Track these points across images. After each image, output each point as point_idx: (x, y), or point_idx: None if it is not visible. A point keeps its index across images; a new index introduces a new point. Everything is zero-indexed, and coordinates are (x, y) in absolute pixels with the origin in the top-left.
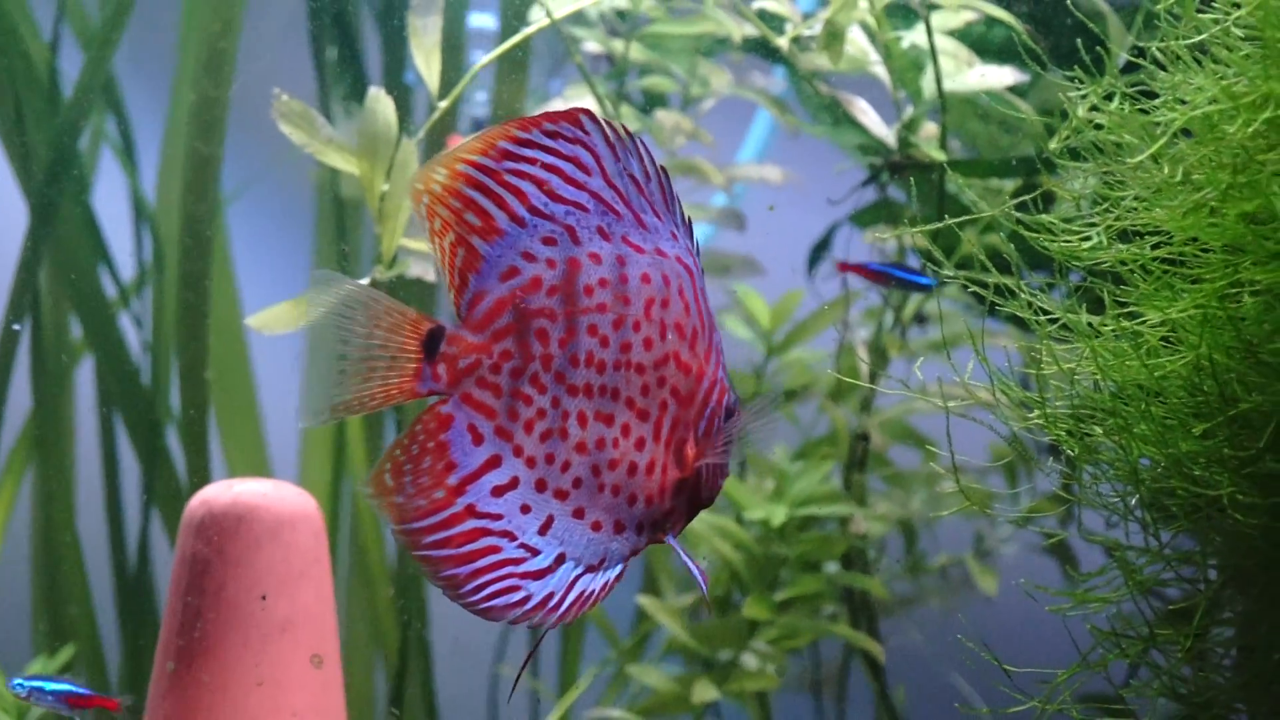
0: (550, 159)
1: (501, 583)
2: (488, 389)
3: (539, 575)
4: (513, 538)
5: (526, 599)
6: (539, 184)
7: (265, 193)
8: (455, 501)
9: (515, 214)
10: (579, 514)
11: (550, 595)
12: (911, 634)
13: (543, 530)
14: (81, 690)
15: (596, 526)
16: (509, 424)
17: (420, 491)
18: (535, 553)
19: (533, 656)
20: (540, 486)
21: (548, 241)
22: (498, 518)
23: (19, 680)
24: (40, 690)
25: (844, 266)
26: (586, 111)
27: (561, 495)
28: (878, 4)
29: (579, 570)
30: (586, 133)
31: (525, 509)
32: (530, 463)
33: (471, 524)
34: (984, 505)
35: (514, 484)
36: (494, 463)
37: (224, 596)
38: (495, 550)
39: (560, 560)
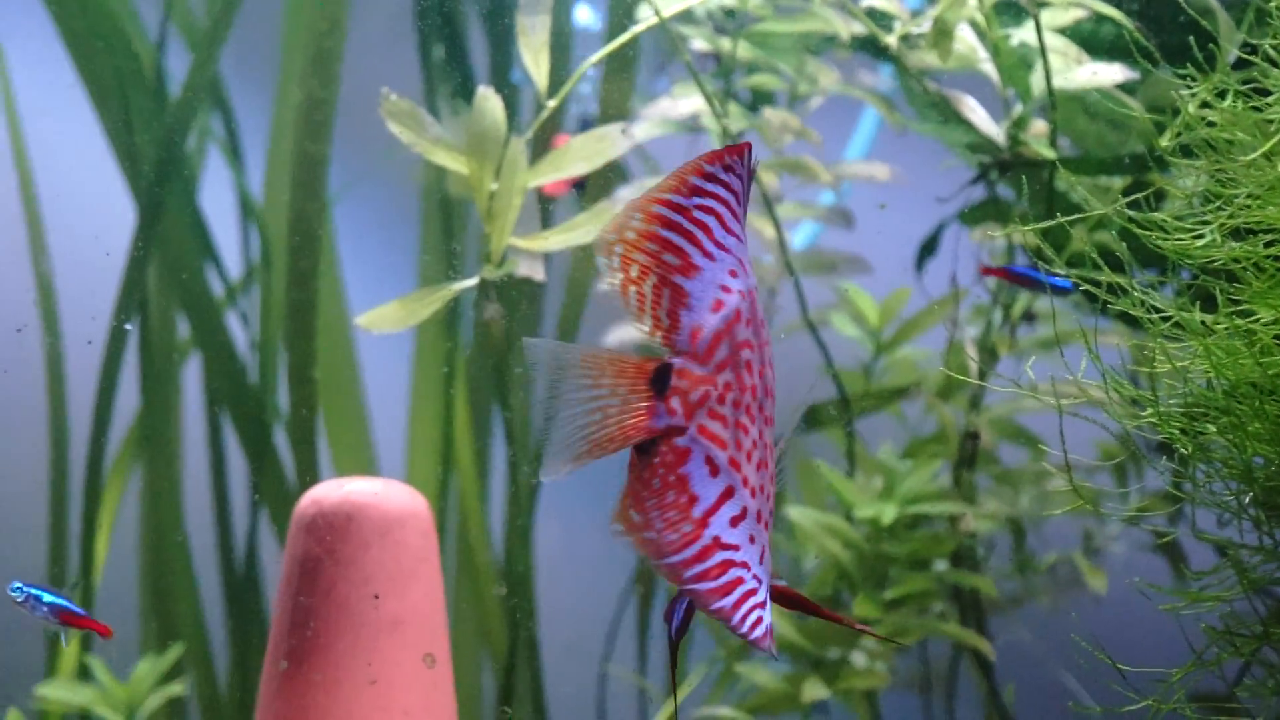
0: (725, 193)
1: (755, 613)
2: (718, 420)
3: (764, 605)
4: (748, 568)
5: (769, 628)
6: (719, 218)
7: (371, 192)
8: (703, 534)
9: (706, 249)
10: (769, 544)
11: (770, 626)
12: (1020, 632)
13: (760, 560)
14: (76, 609)
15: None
16: (737, 454)
17: (669, 526)
18: (760, 583)
19: (677, 665)
20: (759, 517)
21: (733, 274)
22: (736, 548)
23: (18, 584)
24: (37, 599)
25: (987, 270)
26: (749, 145)
27: (767, 526)
28: (986, 1)
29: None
30: (744, 164)
31: (751, 540)
32: (753, 493)
33: (720, 556)
34: (1093, 504)
35: (744, 514)
36: (728, 494)
37: (335, 595)
38: (741, 581)
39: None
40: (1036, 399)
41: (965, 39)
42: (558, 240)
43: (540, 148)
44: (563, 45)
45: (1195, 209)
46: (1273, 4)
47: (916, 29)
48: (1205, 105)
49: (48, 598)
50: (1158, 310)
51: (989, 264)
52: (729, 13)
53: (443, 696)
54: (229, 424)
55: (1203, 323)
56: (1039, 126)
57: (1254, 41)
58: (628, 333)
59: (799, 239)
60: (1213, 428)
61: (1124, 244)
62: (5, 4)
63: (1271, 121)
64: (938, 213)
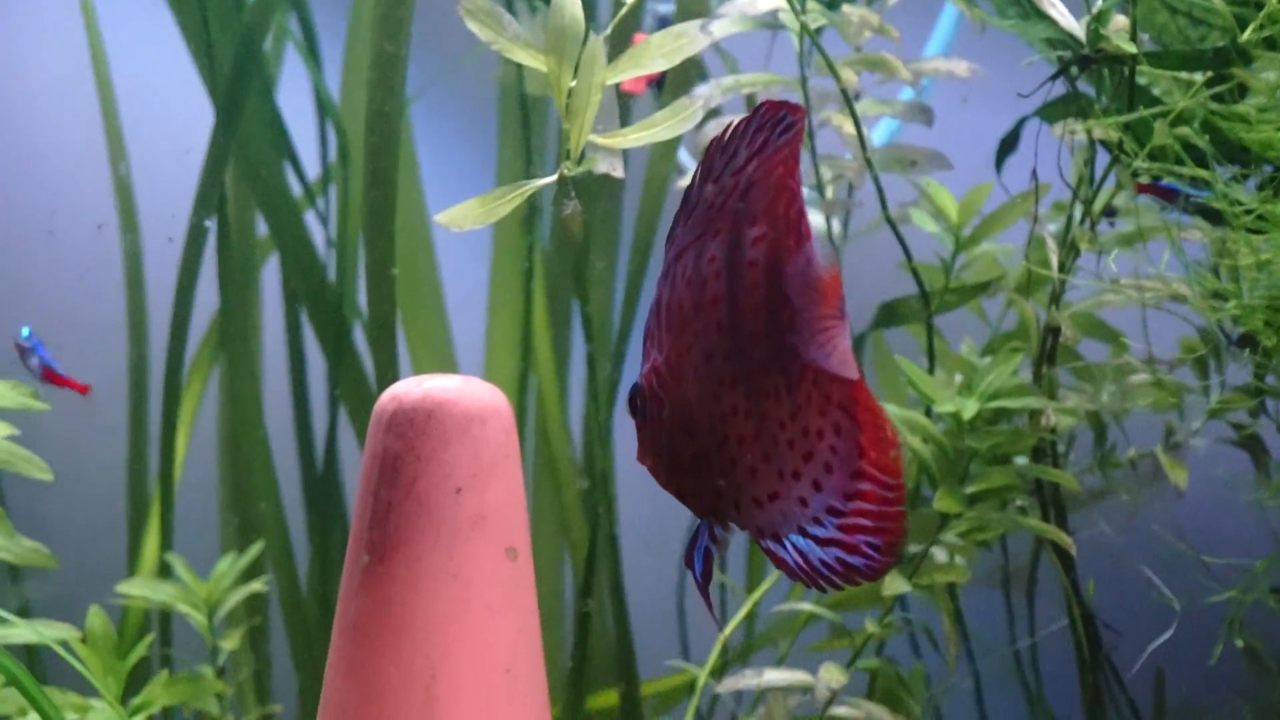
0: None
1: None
2: None
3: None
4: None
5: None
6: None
7: (449, 91)
8: None
9: None
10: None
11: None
12: (1101, 527)
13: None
14: (58, 369)
15: None
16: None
17: None
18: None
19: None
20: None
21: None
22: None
23: (28, 329)
24: (34, 350)
25: (1142, 188)
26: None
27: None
28: None
29: None
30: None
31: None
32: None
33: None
34: (1175, 397)
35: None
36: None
37: (416, 491)
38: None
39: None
40: (1118, 294)
41: None
42: (636, 137)
43: (619, 45)
44: None
45: (1279, 102)
46: None
47: None
48: None
49: (40, 354)
50: (1240, 204)
51: (1144, 183)
52: None
53: (524, 591)
54: (308, 322)
55: None
56: (1120, 21)
57: None
58: None
59: (878, 135)
60: None
61: (1206, 138)
62: None
63: None
64: (1018, 109)
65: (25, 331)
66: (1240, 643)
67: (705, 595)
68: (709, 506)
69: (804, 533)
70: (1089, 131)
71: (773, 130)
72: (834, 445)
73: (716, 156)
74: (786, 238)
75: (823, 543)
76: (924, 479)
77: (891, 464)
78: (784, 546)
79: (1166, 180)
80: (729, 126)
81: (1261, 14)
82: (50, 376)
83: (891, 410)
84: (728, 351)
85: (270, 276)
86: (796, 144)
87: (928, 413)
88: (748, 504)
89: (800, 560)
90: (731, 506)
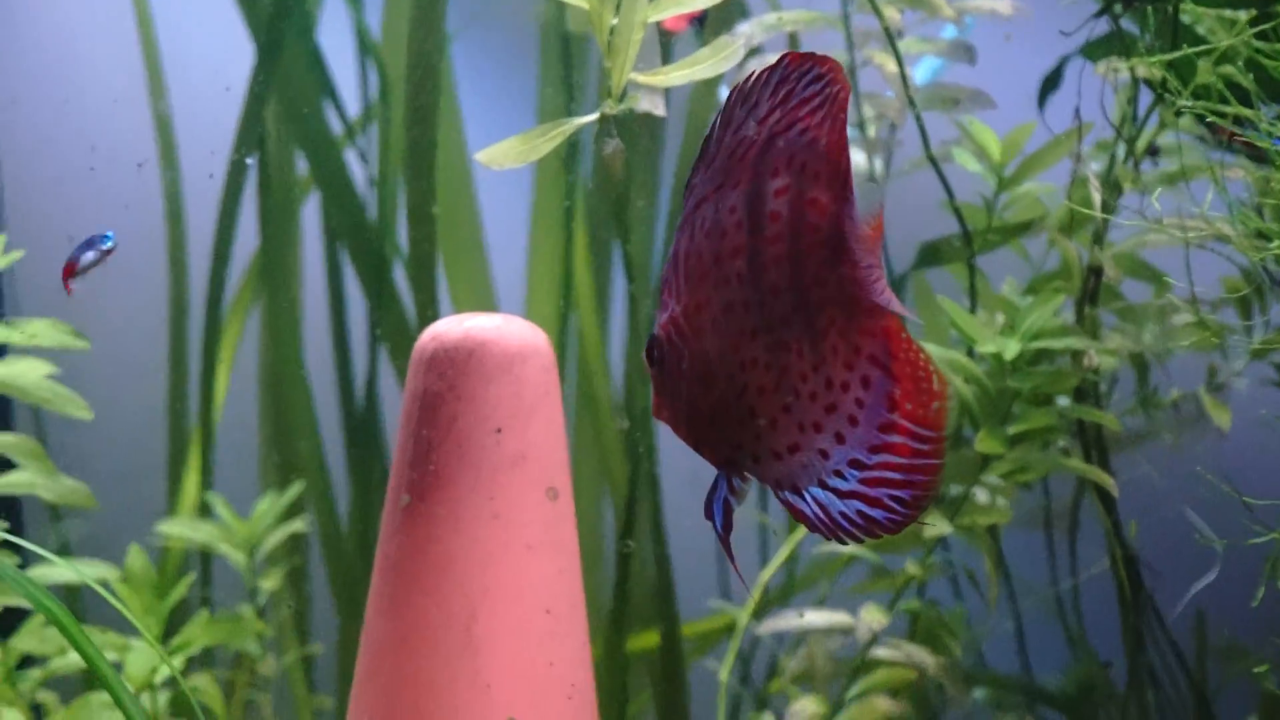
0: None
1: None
2: None
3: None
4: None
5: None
6: None
7: (490, 28)
8: None
9: None
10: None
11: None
12: (1143, 468)
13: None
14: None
15: None
16: None
17: None
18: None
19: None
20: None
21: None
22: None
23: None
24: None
25: (1232, 136)
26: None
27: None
28: None
29: None
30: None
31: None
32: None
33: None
34: (1218, 338)
35: None
36: None
37: (456, 430)
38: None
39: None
40: (1161, 233)
41: None
42: (678, 75)
43: None
44: None
45: None
46: None
47: None
48: None
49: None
50: None
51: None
52: None
53: (564, 530)
54: (348, 261)
55: None
56: None
57: None
58: None
59: (921, 74)
60: None
61: (1250, 76)
62: None
63: None
64: (1061, 47)
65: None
66: None
67: (727, 546)
68: (726, 458)
69: (824, 485)
70: (1132, 70)
71: (797, 82)
72: (860, 398)
73: (737, 107)
74: (814, 190)
75: (843, 495)
76: (965, 420)
77: (931, 417)
78: (803, 499)
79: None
80: (750, 76)
81: None
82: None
83: (932, 350)
84: (748, 303)
85: (310, 215)
86: (837, 100)
87: (969, 353)
88: (766, 456)
89: (820, 512)
90: (749, 458)
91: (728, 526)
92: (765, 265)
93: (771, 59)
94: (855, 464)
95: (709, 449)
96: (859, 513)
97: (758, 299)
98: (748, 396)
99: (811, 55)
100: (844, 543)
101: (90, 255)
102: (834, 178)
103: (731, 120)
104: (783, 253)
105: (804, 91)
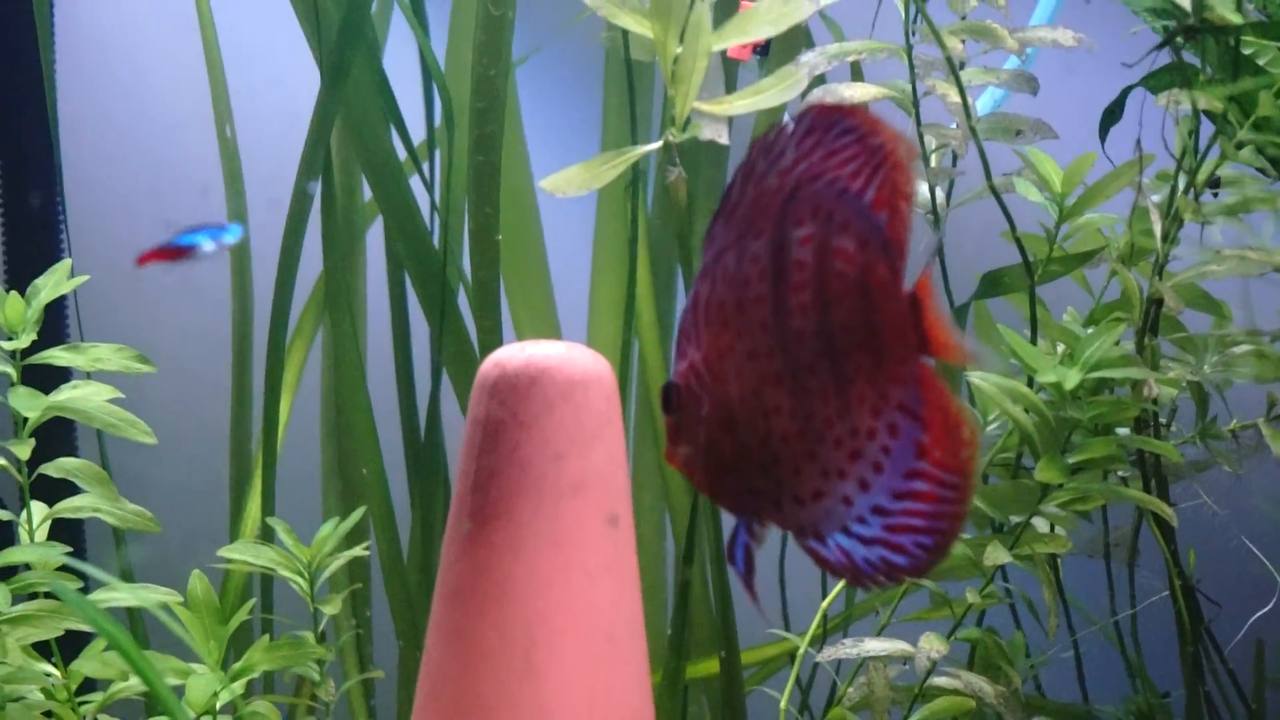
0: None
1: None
2: None
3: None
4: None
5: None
6: None
7: (555, 56)
8: None
9: None
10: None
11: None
12: (1202, 498)
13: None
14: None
15: None
16: None
17: None
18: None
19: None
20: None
21: None
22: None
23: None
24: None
25: None
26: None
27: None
28: None
29: None
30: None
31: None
32: None
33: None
34: (1278, 369)
35: None
36: None
37: (518, 458)
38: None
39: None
40: (1222, 264)
41: None
42: (742, 104)
43: (725, 11)
44: None
45: None
46: None
47: None
48: None
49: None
50: None
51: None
52: None
53: (624, 558)
54: (411, 287)
55: None
56: None
57: None
58: None
59: (983, 104)
60: None
61: None
62: None
63: None
64: (1123, 78)
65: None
66: None
67: (750, 589)
68: (747, 505)
69: (847, 531)
70: (1193, 101)
71: (825, 133)
72: (886, 445)
73: (759, 158)
74: (842, 239)
75: (867, 542)
76: (1025, 449)
77: (960, 463)
78: (826, 545)
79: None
80: (773, 128)
81: None
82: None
83: (993, 380)
84: (772, 350)
85: (374, 241)
86: (885, 156)
87: (1030, 383)
88: (789, 502)
89: (843, 559)
90: (771, 504)
91: (750, 570)
92: (790, 313)
93: (837, 90)
94: (879, 510)
95: (728, 496)
96: (882, 559)
97: (782, 346)
98: (771, 443)
99: (840, 108)
100: (867, 589)
101: (210, 246)
102: (868, 230)
103: (753, 172)
104: (808, 300)
105: (833, 143)
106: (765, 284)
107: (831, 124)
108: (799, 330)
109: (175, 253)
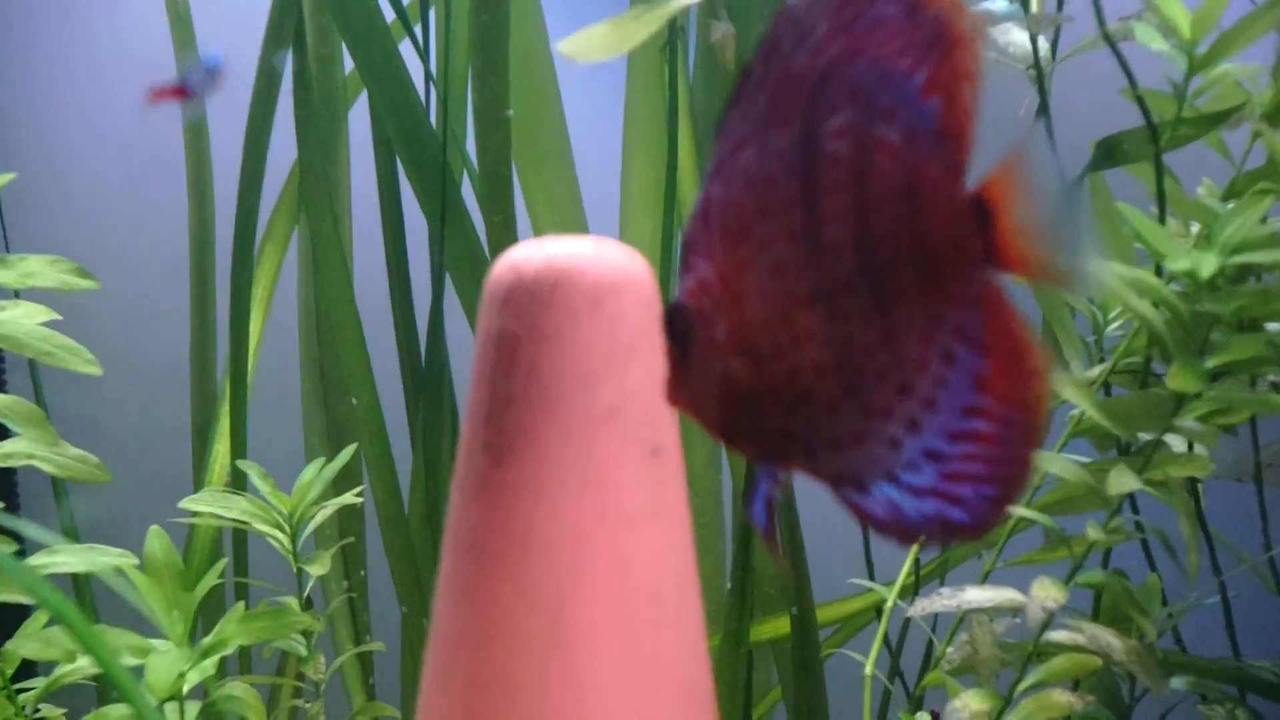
0: None
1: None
2: None
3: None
4: None
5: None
6: None
7: None
8: None
9: None
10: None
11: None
12: None
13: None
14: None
15: None
16: None
17: None
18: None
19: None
20: None
21: None
22: None
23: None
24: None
25: None
26: None
27: None
28: None
29: None
30: None
31: None
32: None
33: None
34: None
35: None
36: None
37: (538, 379)
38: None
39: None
40: None
41: None
42: None
43: None
44: None
45: None
46: None
47: None
48: None
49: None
50: None
51: None
52: None
53: (671, 497)
54: (405, 176)
55: None
56: None
57: None
58: None
59: None
60: None
61: None
62: None
63: None
64: None
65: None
66: None
67: (773, 546)
68: (770, 449)
69: (895, 480)
70: None
71: (867, 2)
72: (940, 376)
73: (785, 34)
74: (884, 129)
75: (919, 492)
76: (1155, 352)
77: (1028, 398)
78: (871, 496)
79: None
80: None
81: None
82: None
83: (1114, 270)
84: (802, 264)
85: (358, 123)
86: (951, 38)
87: (1158, 271)
88: (823, 447)
89: (892, 513)
90: (800, 450)
91: (772, 525)
92: (822, 219)
93: None
94: (932, 455)
95: (747, 440)
96: (939, 513)
97: (814, 260)
98: (802, 376)
99: None
100: (922, 548)
101: (198, 78)
102: (917, 120)
103: (777, 50)
104: (844, 204)
105: (876, 13)
106: (792, 184)
107: None
108: (834, 240)
109: (175, 91)
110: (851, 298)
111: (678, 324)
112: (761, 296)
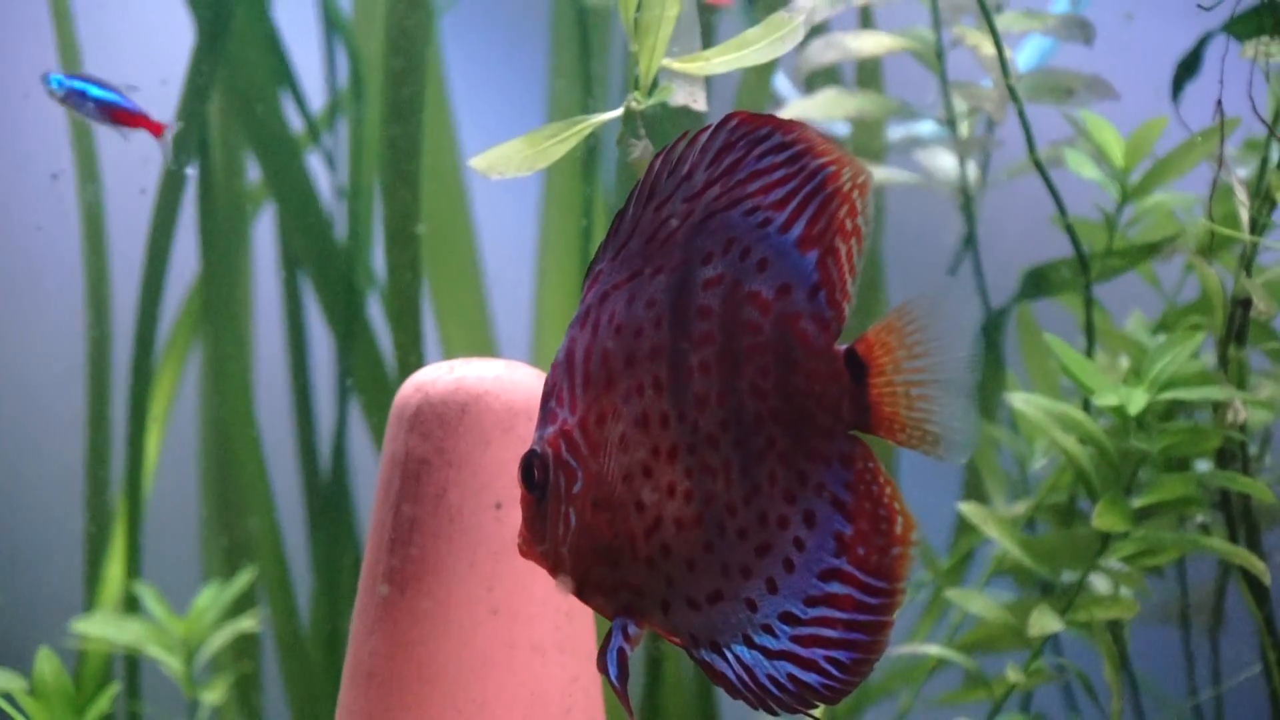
0: None
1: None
2: None
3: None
4: None
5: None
6: None
7: (487, 2)
8: None
9: None
10: None
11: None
12: None
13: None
14: (129, 105)
15: None
16: None
17: None
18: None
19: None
20: None
21: None
22: None
23: (57, 76)
24: (81, 94)
25: None
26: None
27: None
28: None
29: None
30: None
31: None
32: None
33: None
34: None
35: None
36: None
37: (446, 505)
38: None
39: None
40: None
41: None
42: (722, 61)
43: None
44: None
45: None
46: None
47: None
48: None
49: (95, 91)
50: None
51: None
52: None
53: (581, 628)
54: (310, 291)
55: None
56: None
57: None
58: None
59: (1025, 58)
60: None
61: None
62: None
63: None
64: (1199, 23)
65: (54, 79)
66: None
67: (624, 700)
68: (624, 603)
69: (750, 643)
70: None
71: (748, 150)
72: (800, 537)
73: (663, 176)
74: (755, 282)
75: (772, 655)
76: (1081, 489)
77: (887, 565)
78: (725, 658)
79: None
80: (681, 139)
81: None
82: (121, 117)
83: (1039, 404)
84: (667, 417)
85: (264, 234)
86: (832, 191)
87: (1086, 406)
88: (680, 604)
89: (744, 675)
90: (657, 606)
91: (623, 678)
92: (690, 371)
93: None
94: (787, 618)
95: (601, 594)
96: (790, 676)
97: (679, 412)
98: (661, 532)
99: (772, 118)
100: (774, 714)
101: (88, 101)
102: (790, 273)
103: (654, 193)
104: (712, 356)
105: (758, 163)
106: (661, 334)
107: (758, 137)
108: (700, 393)
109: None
110: (716, 452)
111: (535, 473)
112: (623, 448)
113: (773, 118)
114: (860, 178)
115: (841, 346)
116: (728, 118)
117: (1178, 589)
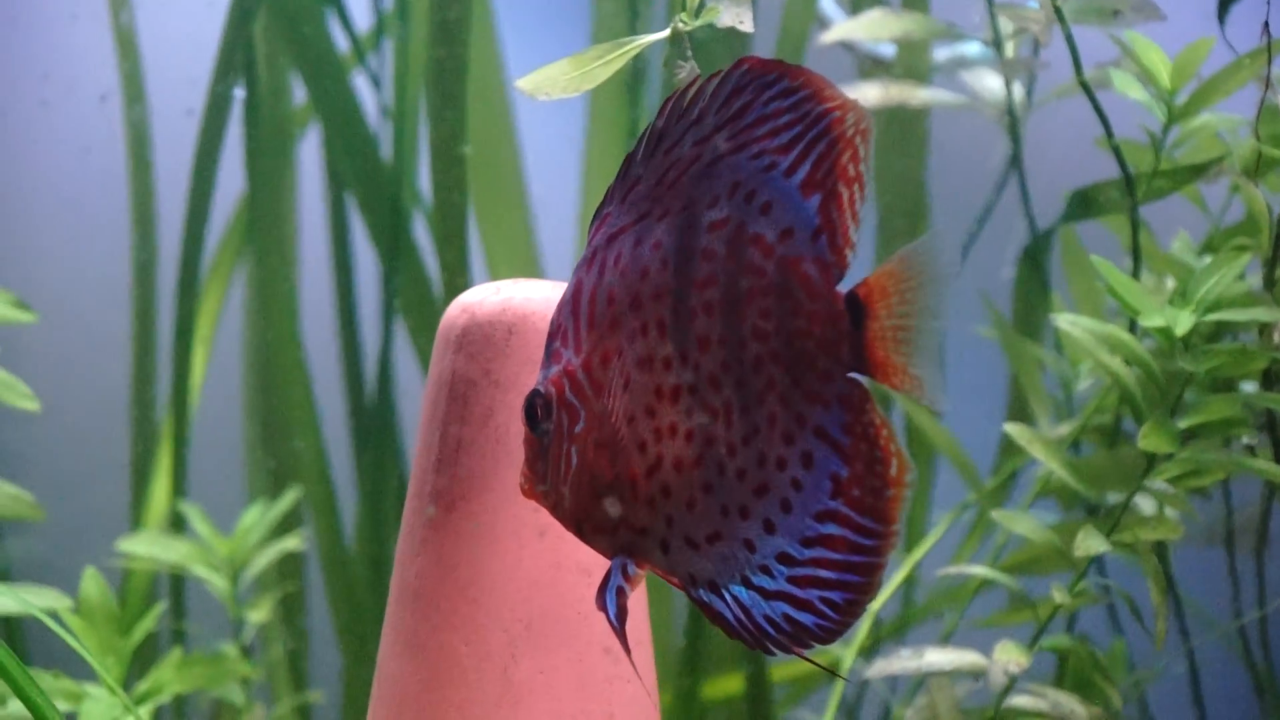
0: None
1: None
2: None
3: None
4: None
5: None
6: None
7: None
8: None
9: None
10: None
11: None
12: None
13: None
14: None
15: None
16: None
17: None
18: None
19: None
20: None
21: None
22: None
23: None
24: None
25: None
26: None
27: None
28: None
29: None
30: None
31: None
32: None
33: None
34: None
35: None
36: None
37: (492, 425)
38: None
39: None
40: None
41: None
42: None
43: None
44: None
45: None
46: None
47: None
48: None
49: None
50: None
51: None
52: None
53: None
54: (356, 212)
55: None
56: None
57: None
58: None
59: None
60: None
61: None
62: None
63: None
64: None
65: None
66: None
67: (622, 639)
68: (624, 543)
69: (747, 583)
70: None
71: (756, 95)
72: (797, 478)
73: (672, 120)
74: (758, 224)
75: (769, 595)
76: (1125, 410)
77: (882, 506)
78: (722, 598)
79: None
80: (691, 85)
81: None
82: None
83: (1085, 325)
84: (669, 358)
85: (309, 155)
86: (837, 135)
87: (1132, 327)
88: (679, 544)
89: (741, 615)
90: (657, 546)
91: (622, 618)
92: (694, 313)
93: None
94: (784, 558)
95: (603, 535)
96: (785, 616)
97: (681, 354)
98: (661, 472)
99: (780, 64)
100: (770, 653)
101: None
102: (793, 217)
103: (664, 137)
104: (716, 299)
105: (765, 108)
106: (666, 276)
107: (766, 82)
108: (703, 335)
109: None
110: (717, 394)
111: (538, 413)
112: (626, 389)
113: (781, 63)
114: (863, 123)
115: (843, 291)
116: (739, 62)
117: (1223, 510)
